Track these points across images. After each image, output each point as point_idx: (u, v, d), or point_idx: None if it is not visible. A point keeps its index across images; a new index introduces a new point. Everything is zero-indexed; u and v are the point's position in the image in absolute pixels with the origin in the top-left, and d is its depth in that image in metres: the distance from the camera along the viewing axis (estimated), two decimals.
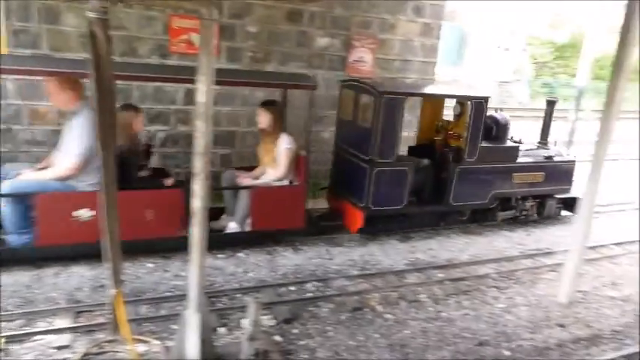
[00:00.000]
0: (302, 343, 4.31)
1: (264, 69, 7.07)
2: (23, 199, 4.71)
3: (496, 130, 7.00)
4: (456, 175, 6.56)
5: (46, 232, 4.78)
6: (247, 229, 5.74)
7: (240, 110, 7.27)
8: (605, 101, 4.88)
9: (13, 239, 4.81)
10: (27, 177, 4.88)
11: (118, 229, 3.36)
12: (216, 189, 6.01)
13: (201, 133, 3.25)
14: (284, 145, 5.80)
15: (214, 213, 5.62)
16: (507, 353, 4.47)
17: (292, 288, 5.15)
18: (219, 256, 5.62)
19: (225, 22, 6.75)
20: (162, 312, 4.49)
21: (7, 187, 4.69)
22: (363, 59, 7.75)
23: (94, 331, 4.11)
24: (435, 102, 7.25)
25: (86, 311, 4.36)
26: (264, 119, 5.83)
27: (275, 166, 5.87)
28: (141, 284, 4.92)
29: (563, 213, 7.83)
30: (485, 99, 6.44)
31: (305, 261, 5.77)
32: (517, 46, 24.86)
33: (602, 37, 13.29)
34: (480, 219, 7.25)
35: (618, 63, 4.68)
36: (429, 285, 5.49)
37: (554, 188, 7.54)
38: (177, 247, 5.15)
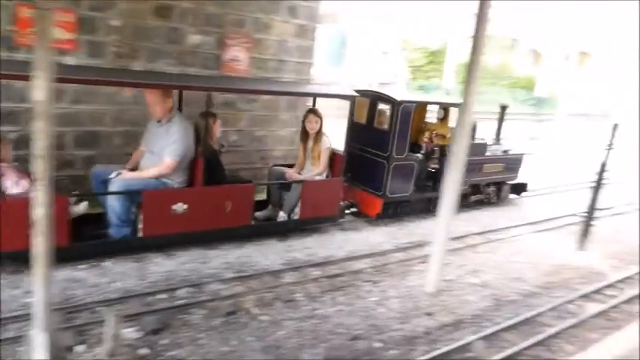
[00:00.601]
0: (171, 353, 4.10)
1: (131, 66, 6.65)
2: (127, 196, 5.35)
3: None
4: (445, 167, 7.15)
5: (149, 225, 5.43)
6: (295, 217, 6.62)
7: (105, 109, 6.78)
8: (462, 102, 5.26)
9: (116, 232, 5.42)
10: (130, 176, 5.51)
11: None
12: (267, 183, 7.13)
13: (41, 135, 2.94)
14: (326, 145, 6.78)
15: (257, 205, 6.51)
16: (379, 345, 4.62)
17: (162, 296, 4.89)
18: (80, 266, 5.17)
19: (84, 14, 6.24)
20: (8, 334, 4.02)
21: (115, 185, 5.31)
22: (238, 58, 7.62)
23: None
24: (422, 107, 8.68)
25: None
26: (315, 124, 6.72)
27: (317, 163, 6.78)
28: None
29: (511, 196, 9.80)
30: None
31: (178, 267, 5.52)
32: (394, 50, 26.21)
33: (463, 44, 14.44)
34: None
35: (470, 68, 5.06)
36: (305, 283, 5.52)
37: (508, 176, 9.44)
38: (249, 234, 6.30)
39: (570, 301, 5.89)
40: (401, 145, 7.35)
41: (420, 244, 6.97)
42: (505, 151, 9.25)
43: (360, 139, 7.47)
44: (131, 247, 5.54)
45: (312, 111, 6.82)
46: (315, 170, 6.80)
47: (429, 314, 5.22)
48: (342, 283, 5.65)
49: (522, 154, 9.56)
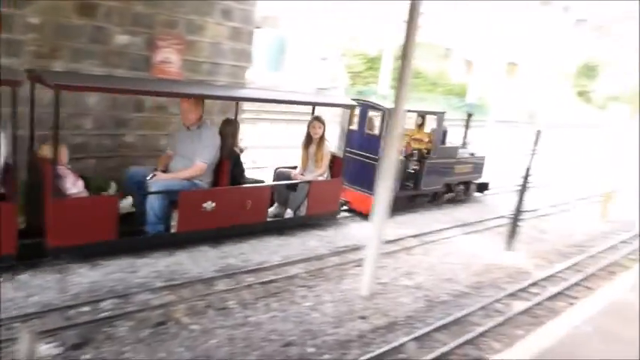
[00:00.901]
0: None
1: (52, 66, 6.27)
2: (165, 195, 5.85)
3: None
4: (425, 167, 8.94)
5: (182, 222, 5.96)
6: (302, 214, 7.29)
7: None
8: (394, 106, 5.35)
9: (152, 229, 5.91)
10: (164, 177, 6.06)
11: None
12: (279, 184, 7.42)
13: None
14: (328, 149, 7.51)
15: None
16: (312, 350, 4.59)
17: (85, 309, 4.63)
18: None
19: None
20: None
21: (155, 186, 5.86)
22: (170, 60, 7.39)
23: None
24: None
25: None
26: (319, 129, 7.43)
27: (320, 165, 7.45)
28: None
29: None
30: (444, 112, 9.22)
31: (103, 277, 5.25)
32: (333, 56, 26.47)
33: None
34: (432, 200, 9.62)
35: (400, 74, 5.16)
36: (238, 290, 5.40)
37: (474, 176, 10.48)
38: (265, 229, 6.95)
39: (498, 300, 6.10)
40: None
41: (356, 248, 7.01)
42: (472, 154, 10.29)
43: (353, 145, 8.25)
44: (165, 242, 6.06)
45: (317, 118, 7.51)
46: (318, 172, 7.48)
47: (363, 317, 5.25)
48: (277, 289, 5.58)
49: (484, 157, 10.60)
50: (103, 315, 4.57)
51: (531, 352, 4.35)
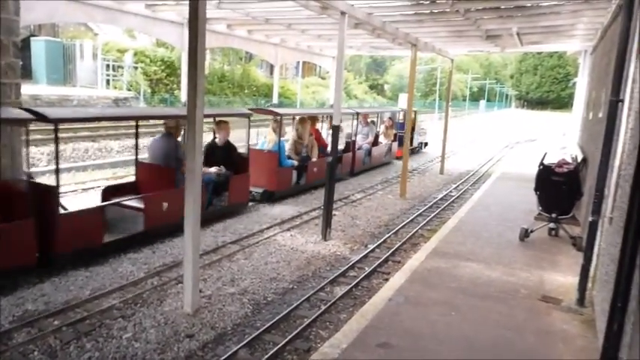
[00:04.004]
0: None
1: None
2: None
3: None
4: None
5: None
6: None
7: None
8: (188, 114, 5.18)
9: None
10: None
11: None
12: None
13: None
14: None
15: None
16: None
17: None
18: None
19: None
20: None
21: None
22: None
23: None
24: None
25: None
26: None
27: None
28: None
29: None
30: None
31: None
32: (128, 63, 24.95)
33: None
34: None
35: (190, 76, 5.03)
36: (42, 339, 4.71)
37: None
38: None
39: (321, 289, 6.37)
40: None
41: (175, 264, 6.68)
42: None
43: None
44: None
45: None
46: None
47: (190, 336, 5.00)
48: (90, 327, 5.01)
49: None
50: None
51: (354, 333, 4.62)
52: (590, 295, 5.53)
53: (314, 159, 11.86)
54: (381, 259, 7.53)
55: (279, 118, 10.67)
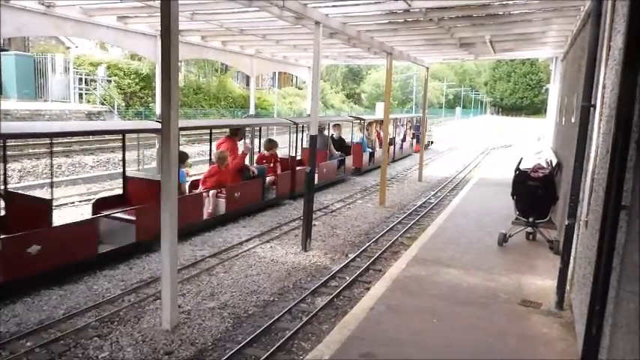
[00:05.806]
0: None
1: None
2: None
3: None
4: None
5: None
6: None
7: None
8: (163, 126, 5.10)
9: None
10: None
11: None
12: None
13: None
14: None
15: None
16: None
17: None
18: None
19: None
20: None
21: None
22: None
23: None
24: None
25: None
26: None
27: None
28: None
29: None
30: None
31: None
32: (101, 77, 24.62)
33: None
34: None
35: (164, 93, 4.95)
36: None
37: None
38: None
39: (302, 300, 6.30)
40: None
41: (152, 280, 6.55)
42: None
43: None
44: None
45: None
46: None
47: (168, 353, 4.89)
48: (64, 348, 4.86)
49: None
50: None
51: (336, 344, 4.57)
52: (568, 297, 5.58)
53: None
54: (362, 268, 7.51)
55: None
